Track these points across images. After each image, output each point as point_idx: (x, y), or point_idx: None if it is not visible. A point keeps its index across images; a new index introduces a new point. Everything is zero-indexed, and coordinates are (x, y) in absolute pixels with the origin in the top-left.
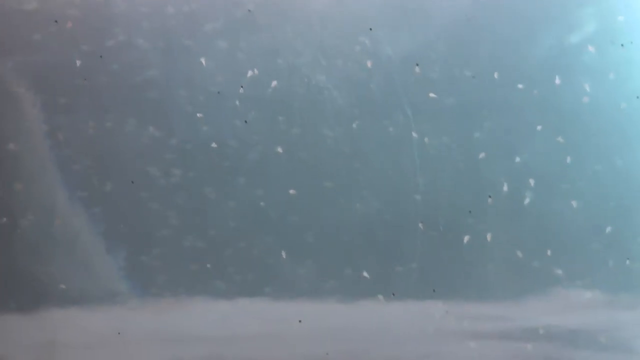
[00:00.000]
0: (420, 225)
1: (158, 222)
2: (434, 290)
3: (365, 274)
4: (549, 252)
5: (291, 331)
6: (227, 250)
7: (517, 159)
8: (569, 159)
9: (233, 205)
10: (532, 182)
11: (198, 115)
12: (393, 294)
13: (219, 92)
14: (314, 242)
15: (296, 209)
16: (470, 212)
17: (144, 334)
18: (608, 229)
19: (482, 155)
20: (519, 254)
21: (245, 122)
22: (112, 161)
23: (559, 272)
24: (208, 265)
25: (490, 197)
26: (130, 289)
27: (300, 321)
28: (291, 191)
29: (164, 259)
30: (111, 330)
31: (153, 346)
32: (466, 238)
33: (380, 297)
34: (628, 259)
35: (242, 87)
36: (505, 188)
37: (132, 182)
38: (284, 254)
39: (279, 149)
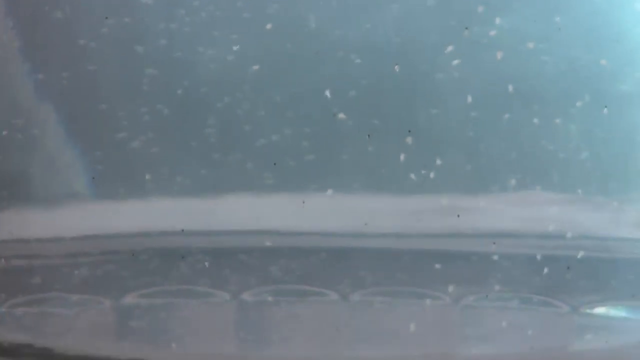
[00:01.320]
0: (396, 67)
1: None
2: (409, 131)
3: (342, 114)
4: (510, 88)
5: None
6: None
7: None
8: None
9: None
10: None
11: None
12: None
13: None
14: (291, 91)
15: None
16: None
17: (111, 229)
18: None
19: None
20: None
21: None
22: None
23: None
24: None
25: (467, 28)
26: (96, 184)
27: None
28: (268, 26)
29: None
30: (81, 224)
31: (117, 240)
32: (441, 76)
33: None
34: (606, 106)
35: None
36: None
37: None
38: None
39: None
